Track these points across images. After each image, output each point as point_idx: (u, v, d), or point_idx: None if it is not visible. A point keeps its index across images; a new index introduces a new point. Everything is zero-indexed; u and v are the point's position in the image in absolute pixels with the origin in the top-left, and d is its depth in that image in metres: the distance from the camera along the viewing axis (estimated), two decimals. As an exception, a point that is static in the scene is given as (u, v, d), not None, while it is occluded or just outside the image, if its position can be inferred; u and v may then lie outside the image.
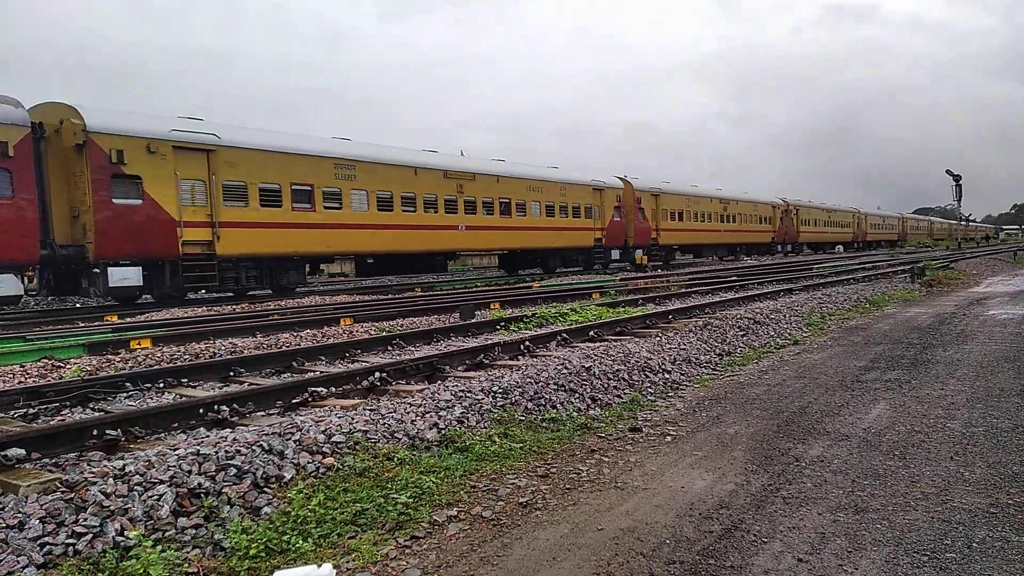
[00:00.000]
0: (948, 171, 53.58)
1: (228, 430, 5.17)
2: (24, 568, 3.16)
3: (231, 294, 19.78)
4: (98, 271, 16.23)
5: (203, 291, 19.04)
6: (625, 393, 6.83)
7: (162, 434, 5.32)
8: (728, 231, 44.86)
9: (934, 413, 5.80)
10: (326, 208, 20.82)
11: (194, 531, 3.61)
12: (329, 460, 4.45)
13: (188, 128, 17.93)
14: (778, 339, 10.29)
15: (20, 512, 3.47)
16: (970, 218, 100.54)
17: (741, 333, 10.18)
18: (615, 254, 33.43)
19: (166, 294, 17.97)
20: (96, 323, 13.69)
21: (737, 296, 15.06)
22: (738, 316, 11.15)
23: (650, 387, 7.16)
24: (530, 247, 29.86)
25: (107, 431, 4.91)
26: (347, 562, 3.40)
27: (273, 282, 20.24)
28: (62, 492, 3.67)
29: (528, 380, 6.43)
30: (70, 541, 3.35)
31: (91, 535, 3.41)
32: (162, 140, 17.10)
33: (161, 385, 7.16)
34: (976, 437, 5.08)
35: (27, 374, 7.87)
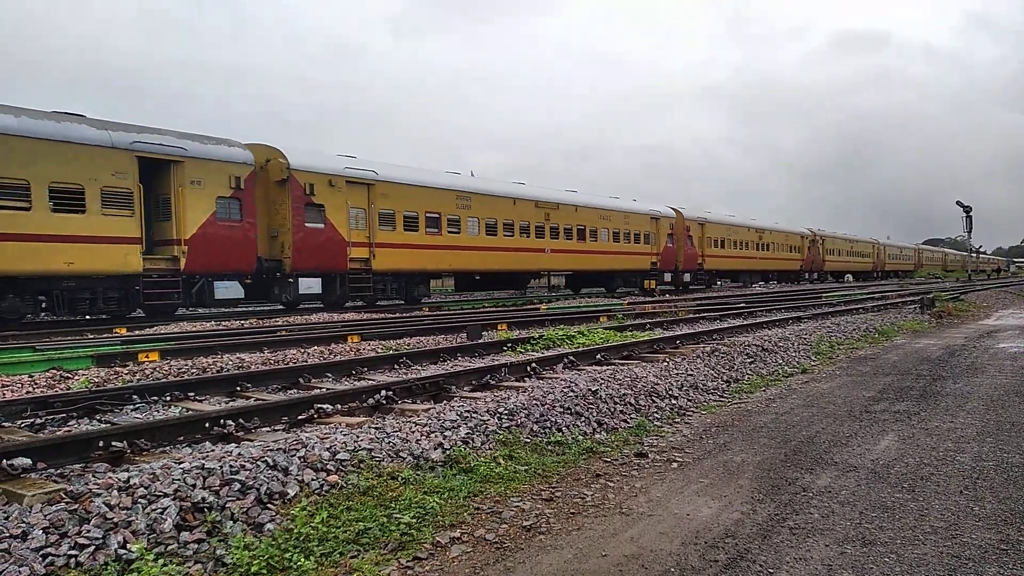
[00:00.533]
0: (958, 202, 53.51)
1: (233, 445, 5.17)
2: (26, 579, 3.15)
3: (363, 303, 23.41)
4: (291, 281, 20.27)
5: (358, 300, 22.90)
6: (631, 418, 6.79)
7: (168, 447, 5.32)
8: (762, 259, 48.75)
9: (944, 446, 5.74)
10: (449, 232, 25.31)
11: (196, 546, 3.60)
12: (333, 478, 4.43)
13: (355, 166, 22.22)
14: (786, 367, 10.23)
15: (24, 522, 3.47)
16: (980, 249, 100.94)
17: (749, 360, 10.13)
18: (667, 276, 37.58)
19: (334, 301, 21.64)
20: (105, 335, 13.76)
21: (745, 323, 15.01)
22: (746, 343, 11.10)
23: (657, 412, 7.12)
24: (599, 268, 34.01)
25: (113, 443, 4.92)
26: (349, 581, 3.38)
27: (406, 294, 24.46)
28: (66, 503, 3.67)
29: (534, 402, 6.41)
30: (72, 552, 3.35)
31: (93, 547, 3.40)
32: (338, 175, 21.36)
33: (168, 398, 7.17)
34: (986, 471, 5.03)
35: (35, 384, 7.90)
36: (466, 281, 31.13)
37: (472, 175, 29.86)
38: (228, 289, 19.16)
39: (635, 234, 35.63)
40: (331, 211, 21.01)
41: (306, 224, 20.30)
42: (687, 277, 38.96)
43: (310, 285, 20.51)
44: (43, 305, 16.45)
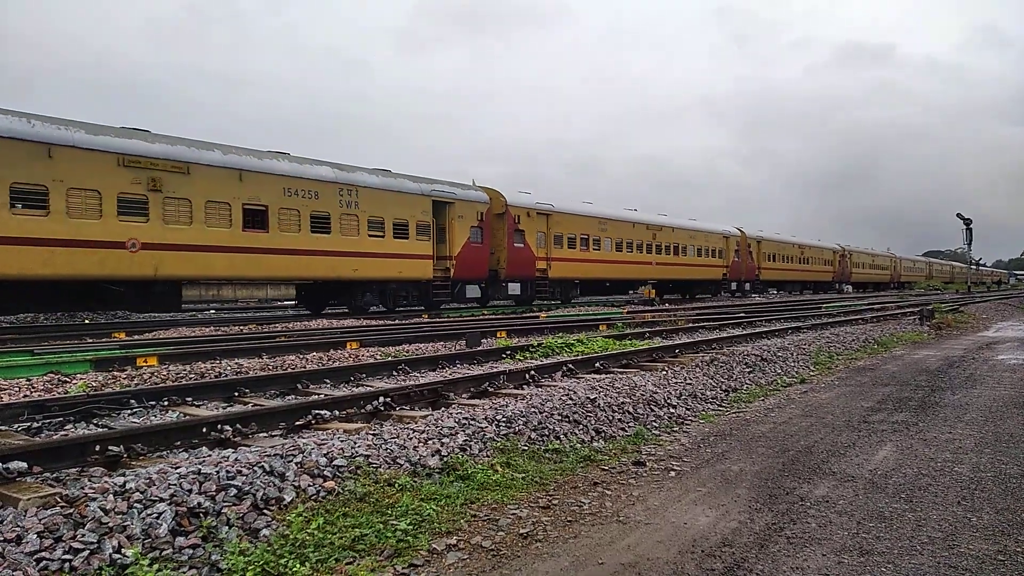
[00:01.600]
0: (959, 215, 53.62)
1: (230, 450, 5.15)
2: (19, 583, 3.14)
3: (512, 303, 30.01)
4: (504, 285, 28.42)
5: (537, 300, 30.02)
6: (630, 426, 6.78)
7: (164, 452, 5.31)
8: (804, 270, 57.55)
9: (942, 456, 5.74)
10: (593, 250, 33.46)
11: (191, 551, 3.59)
12: (330, 484, 4.42)
13: (541, 200, 30.36)
14: (785, 377, 10.22)
15: (19, 526, 3.46)
16: (980, 262, 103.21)
17: (748, 370, 10.13)
18: (734, 285, 45.55)
19: (525, 299, 29.66)
20: (104, 339, 13.75)
21: (745, 332, 15.00)
22: (745, 352, 11.10)
23: (655, 421, 7.11)
24: (686, 278, 41.92)
25: (109, 447, 4.91)
26: (344, 588, 3.37)
27: (563, 295, 32.28)
28: (61, 507, 3.66)
29: (532, 410, 6.40)
30: (67, 557, 3.33)
31: (88, 552, 3.39)
32: (532, 208, 29.52)
33: (165, 403, 7.16)
34: (984, 482, 5.02)
35: (33, 388, 7.89)
36: (595, 287, 37.16)
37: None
38: (473, 291, 27.37)
39: (712, 250, 43.70)
40: (528, 235, 29.17)
41: (515, 245, 28.43)
42: (747, 286, 46.87)
43: (515, 289, 28.81)
44: (368, 297, 23.90)
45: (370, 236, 22.63)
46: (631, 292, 42.21)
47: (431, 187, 25.07)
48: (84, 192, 15.95)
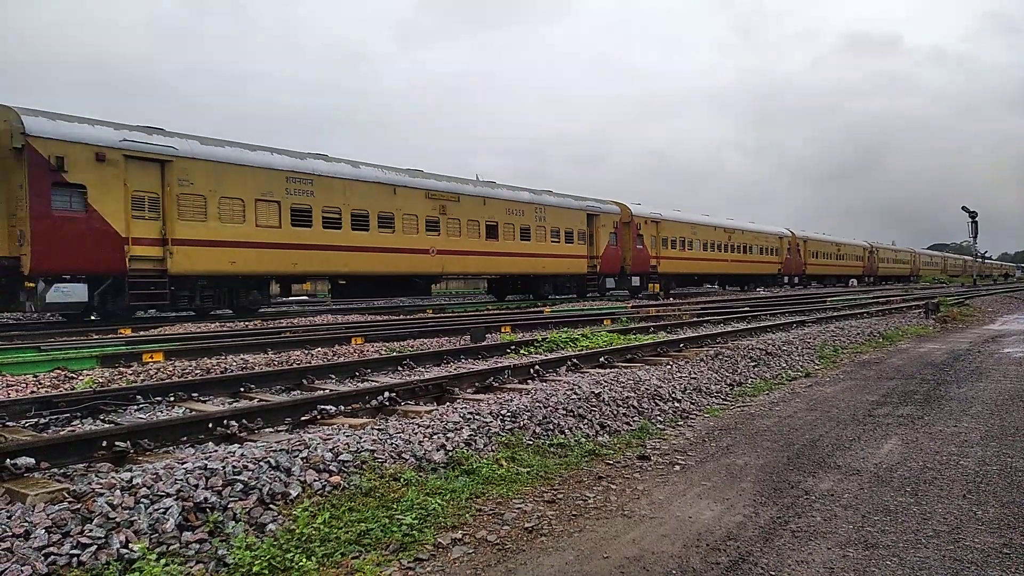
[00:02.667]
0: (964, 207, 53.45)
1: (236, 445, 5.18)
2: (28, 577, 3.16)
3: (627, 292, 36.73)
4: (629, 278, 35.52)
5: (640, 294, 36.02)
6: (634, 420, 6.79)
7: (171, 447, 5.34)
8: (840, 265, 64.94)
9: (947, 450, 5.73)
10: (687, 250, 40.82)
11: (198, 546, 3.61)
12: (335, 479, 4.44)
13: (652, 210, 38.18)
14: (790, 371, 10.21)
15: (27, 521, 3.48)
16: (985, 255, 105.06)
17: (753, 364, 10.12)
18: (786, 279, 52.79)
19: (641, 289, 36.49)
20: (110, 335, 13.80)
21: (749, 327, 14.98)
22: (750, 346, 11.09)
23: (660, 415, 7.11)
24: (750, 272, 48.91)
25: (116, 443, 4.94)
26: (350, 582, 3.38)
27: (665, 288, 38.38)
28: (69, 502, 3.69)
29: (537, 404, 6.41)
30: (74, 552, 3.35)
31: (96, 546, 3.41)
32: (648, 217, 37.44)
33: (172, 399, 7.19)
34: (990, 476, 5.01)
35: (40, 384, 7.92)
36: (687, 281, 44.40)
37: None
38: (610, 282, 34.69)
39: (770, 248, 50.83)
40: (645, 239, 36.78)
41: (636, 247, 35.96)
42: (796, 280, 54.12)
43: (636, 280, 36.16)
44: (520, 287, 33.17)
45: (552, 242, 31.14)
46: (707, 285, 49.13)
47: (585, 203, 33.66)
48: (410, 216, 24.19)
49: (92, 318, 18.62)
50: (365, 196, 22.57)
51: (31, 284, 15.58)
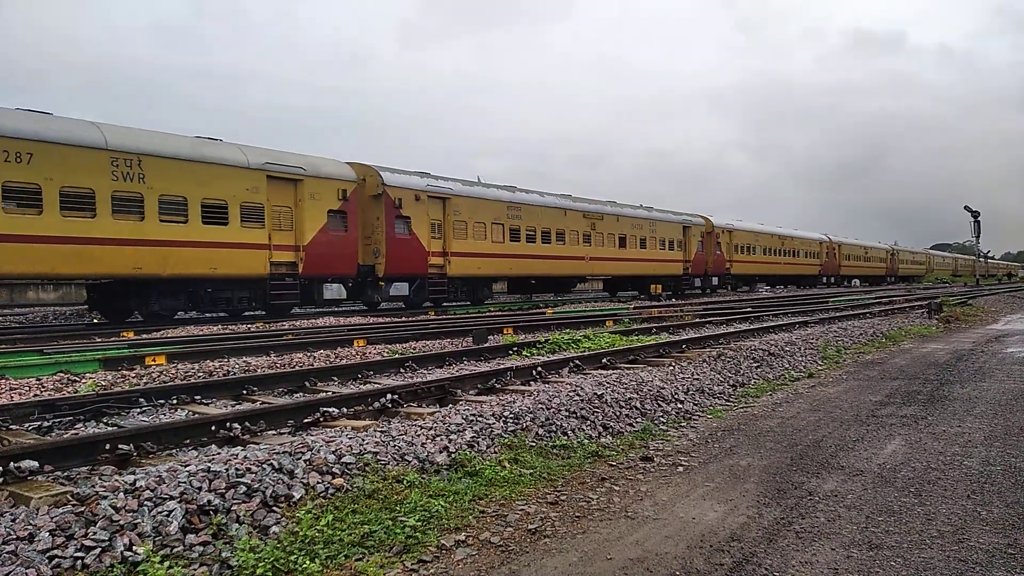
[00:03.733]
0: (967, 207, 53.41)
1: (239, 448, 5.18)
2: (32, 580, 3.16)
3: (698, 290, 41.80)
4: (710, 278, 42.43)
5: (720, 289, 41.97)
6: (637, 422, 6.78)
7: (174, 450, 5.34)
8: (866, 267, 71.69)
9: (951, 450, 5.72)
10: (752, 254, 47.94)
11: (202, 548, 3.61)
12: (339, 481, 4.44)
13: (728, 221, 45.80)
14: (793, 372, 10.20)
15: (31, 524, 3.49)
16: (988, 255, 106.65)
17: (755, 364, 10.11)
18: (824, 279, 58.92)
19: (712, 287, 42.78)
20: (112, 339, 13.82)
21: (752, 327, 14.97)
22: (752, 347, 11.08)
23: (662, 416, 7.11)
24: (797, 273, 55.73)
25: (119, 446, 4.94)
26: (353, 584, 3.38)
27: (732, 287, 46.91)
28: (73, 505, 3.69)
29: (540, 406, 6.41)
30: (79, 555, 3.36)
31: (100, 549, 3.41)
32: (723, 227, 44.48)
33: (174, 401, 7.19)
34: (994, 475, 5.00)
35: (43, 387, 7.94)
36: (751, 280, 50.58)
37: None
38: (697, 281, 41.39)
39: (811, 252, 57.67)
40: (722, 245, 43.99)
41: (715, 252, 43.30)
42: (832, 279, 60.72)
43: (715, 280, 43.14)
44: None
45: (659, 250, 37.96)
46: (761, 286, 53.79)
47: (681, 217, 40.80)
48: (573, 232, 31.55)
49: (95, 321, 18.66)
50: (549, 218, 30.34)
51: (382, 283, 23.03)
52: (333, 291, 21.82)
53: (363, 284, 23.13)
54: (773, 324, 15.73)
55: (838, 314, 19.26)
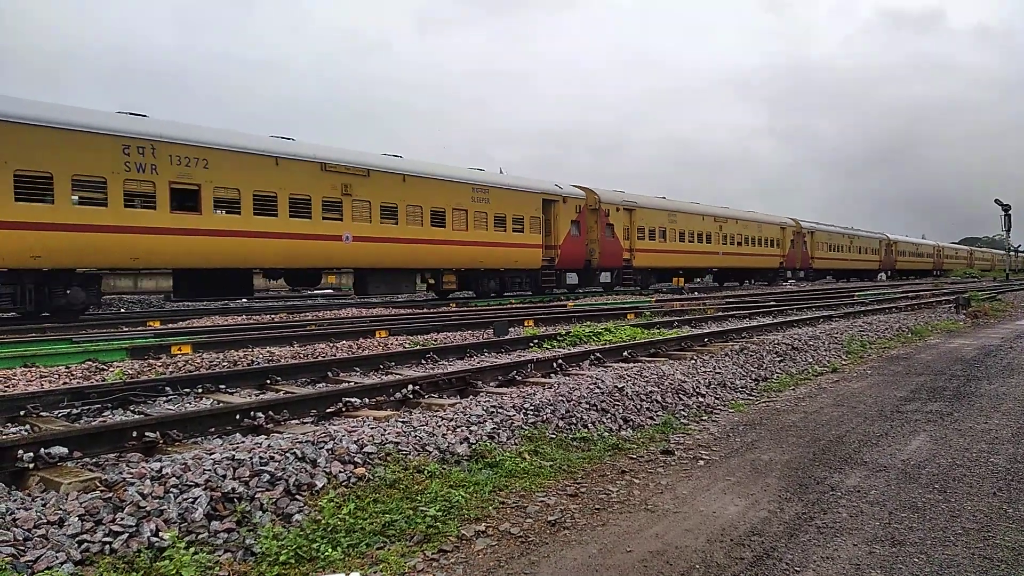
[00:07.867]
0: (997, 200, 52.41)
1: (263, 437, 5.25)
2: (62, 564, 3.23)
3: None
4: (810, 271, 51.91)
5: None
6: (658, 415, 6.76)
7: (199, 438, 5.42)
8: (918, 262, 77.58)
9: (977, 447, 5.64)
10: (830, 251, 54.94)
11: (226, 535, 3.66)
12: (360, 470, 4.48)
13: (813, 221, 53.30)
14: (816, 366, 10.11)
15: (61, 509, 3.57)
16: (1020, 248, 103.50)
17: (778, 359, 10.03)
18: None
19: (805, 278, 49.75)
20: (139, 328, 14.03)
21: (775, 321, 14.85)
22: (775, 341, 10.99)
23: (683, 410, 7.08)
24: (862, 268, 62.80)
25: (146, 433, 5.03)
26: (375, 572, 3.42)
27: (814, 278, 52.30)
28: (101, 491, 3.76)
29: (560, 398, 6.42)
30: (107, 539, 3.43)
31: (127, 534, 3.48)
32: (807, 228, 51.42)
33: (199, 390, 7.29)
34: (1021, 473, 4.93)
35: (72, 375, 8.08)
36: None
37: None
38: (794, 273, 48.62)
39: (872, 248, 63.93)
40: (809, 244, 51.11)
41: (803, 250, 50.59)
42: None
43: (809, 273, 51.24)
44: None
45: (754, 246, 44.36)
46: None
47: (782, 219, 48.47)
48: (708, 233, 39.55)
49: (122, 311, 18.96)
50: (683, 220, 37.57)
51: (598, 274, 31.59)
52: (572, 278, 30.54)
53: (587, 273, 31.36)
54: (796, 318, 15.58)
55: (863, 308, 19.04)
